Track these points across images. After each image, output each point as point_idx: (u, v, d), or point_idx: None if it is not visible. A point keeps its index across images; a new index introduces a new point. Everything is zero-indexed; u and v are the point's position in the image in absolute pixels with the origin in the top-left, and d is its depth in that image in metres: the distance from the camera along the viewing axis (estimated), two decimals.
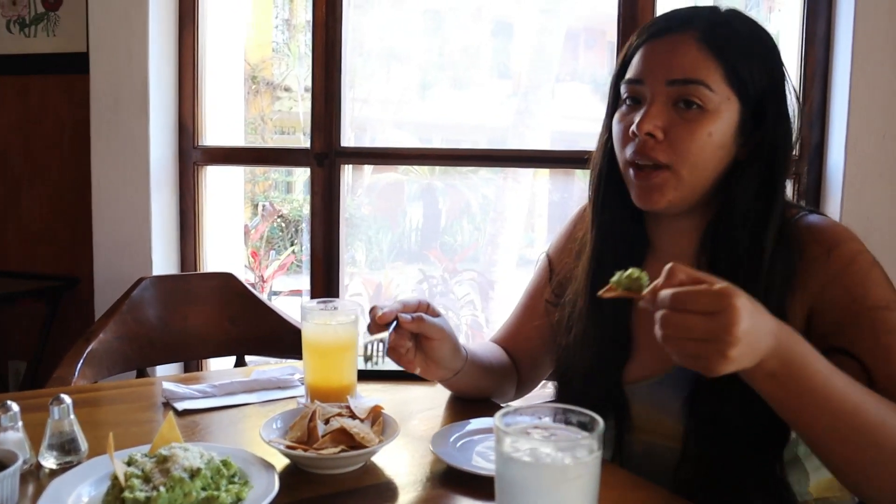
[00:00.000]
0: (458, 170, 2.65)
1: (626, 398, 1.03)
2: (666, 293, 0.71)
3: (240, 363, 1.85)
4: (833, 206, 1.92)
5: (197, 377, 1.32)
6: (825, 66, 1.95)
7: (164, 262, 2.27)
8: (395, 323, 1.00)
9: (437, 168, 2.66)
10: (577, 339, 1.06)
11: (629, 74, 0.98)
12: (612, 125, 1.01)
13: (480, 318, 3.24)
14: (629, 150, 0.96)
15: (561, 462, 0.58)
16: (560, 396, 1.13)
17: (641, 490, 0.91)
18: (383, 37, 2.86)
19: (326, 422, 0.97)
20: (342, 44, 2.12)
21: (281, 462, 0.95)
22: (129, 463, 0.85)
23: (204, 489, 0.83)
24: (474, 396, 1.20)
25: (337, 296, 2.21)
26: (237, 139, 2.60)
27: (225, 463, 0.87)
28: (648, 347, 1.03)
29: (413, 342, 1.03)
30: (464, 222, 3.34)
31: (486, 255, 3.27)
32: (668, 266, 0.74)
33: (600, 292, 0.82)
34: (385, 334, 1.00)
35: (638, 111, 0.95)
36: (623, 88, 0.99)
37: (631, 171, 0.97)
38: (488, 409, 1.18)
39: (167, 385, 1.21)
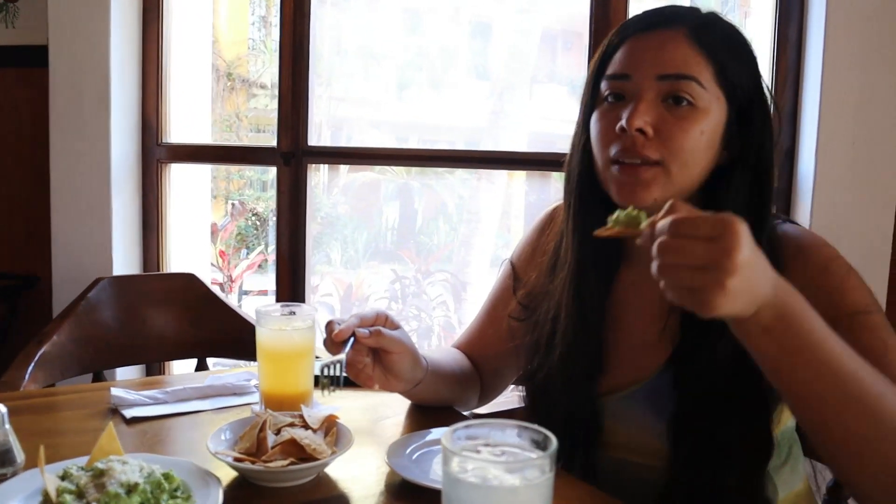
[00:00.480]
0: (434, 170, 2.62)
1: (597, 411, 1.00)
2: (665, 221, 0.68)
3: (201, 366, 1.80)
4: (803, 212, 1.91)
5: (149, 382, 1.27)
6: (797, 70, 1.95)
7: (125, 261, 2.21)
8: (352, 339, 0.97)
9: (414, 168, 2.62)
10: (549, 353, 1.03)
11: (612, 70, 0.94)
12: (591, 124, 0.96)
13: (453, 318, 3.21)
14: (614, 149, 0.91)
15: (510, 484, 0.55)
16: (529, 407, 1.10)
17: None
18: (361, 35, 2.82)
19: (278, 432, 0.93)
20: (310, 41, 2.07)
21: (230, 474, 0.92)
22: (64, 477, 0.81)
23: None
24: (436, 405, 1.17)
25: (303, 296, 2.16)
26: (205, 137, 2.54)
27: (167, 476, 0.83)
28: (622, 359, 1.00)
29: (371, 357, 0.99)
30: (440, 222, 3.31)
31: (459, 256, 3.24)
32: (669, 202, 0.71)
33: (597, 231, 0.80)
34: (342, 355, 0.96)
35: (623, 108, 0.91)
36: (605, 85, 0.94)
37: (615, 168, 0.92)
38: (451, 417, 1.15)
39: (116, 391, 1.16)
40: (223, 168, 3.48)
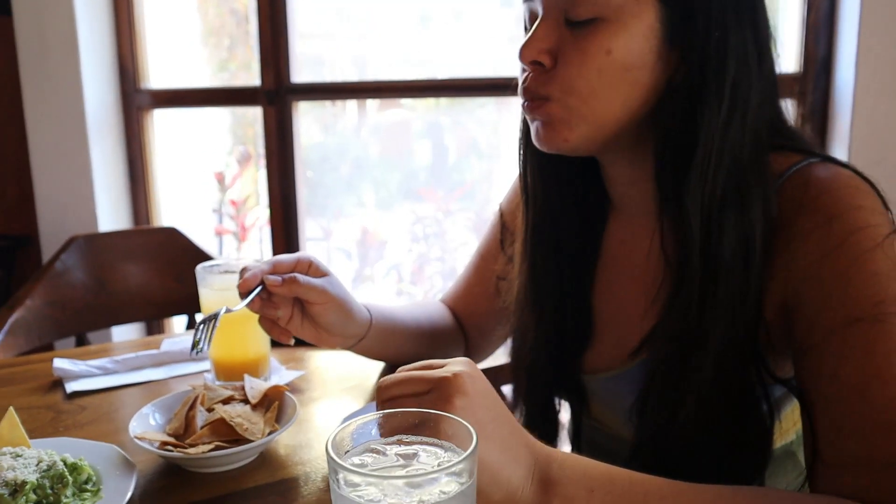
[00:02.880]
0: (463, 104, 2.44)
1: (583, 388, 0.86)
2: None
3: (193, 323, 1.71)
4: (842, 128, 1.70)
5: (101, 350, 1.17)
6: None
7: (112, 216, 2.10)
8: (258, 289, 0.84)
9: (443, 102, 2.45)
10: (531, 315, 0.87)
11: None
12: None
13: None
14: (520, 86, 0.75)
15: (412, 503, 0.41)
16: (515, 378, 0.96)
17: None
18: None
19: (211, 409, 0.81)
20: None
21: (159, 459, 0.81)
22: None
23: (39, 502, 0.68)
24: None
25: (297, 242, 2.04)
26: (200, 79, 2.40)
27: (75, 467, 0.72)
28: (608, 336, 0.84)
29: (296, 309, 0.86)
30: (471, 159, 3.14)
31: (482, 193, 3.09)
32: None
33: None
34: (220, 310, 0.84)
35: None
36: (524, 8, 0.77)
37: (525, 112, 0.75)
38: None
39: (59, 362, 1.06)
40: (236, 112, 3.34)
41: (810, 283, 0.66)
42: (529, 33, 0.72)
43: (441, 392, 0.55)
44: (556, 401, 0.90)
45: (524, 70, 0.74)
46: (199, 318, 0.85)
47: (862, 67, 1.64)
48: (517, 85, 0.77)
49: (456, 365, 0.59)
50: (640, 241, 0.80)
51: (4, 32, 2.15)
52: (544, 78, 0.71)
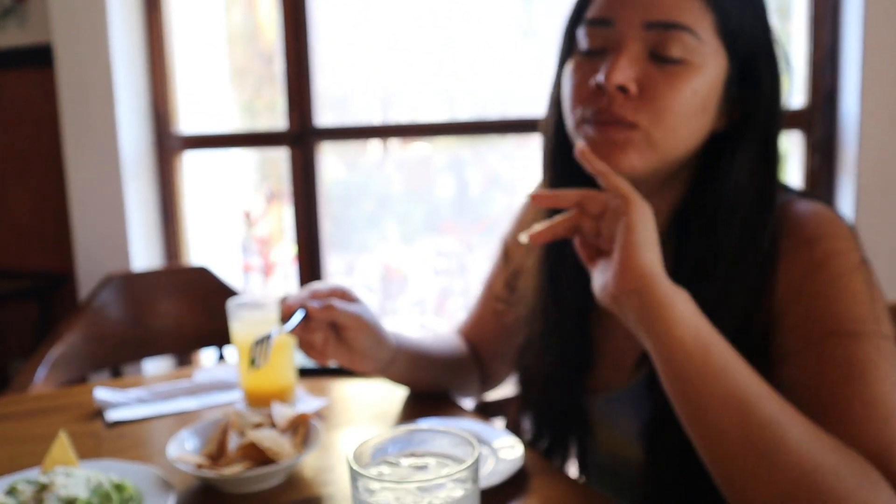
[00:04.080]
0: (485, 140, 2.52)
1: (586, 411, 0.91)
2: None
3: (222, 356, 1.78)
4: (848, 158, 1.75)
5: (137, 381, 1.24)
6: (835, 6, 1.77)
7: (144, 255, 2.20)
8: (302, 313, 0.90)
9: (465, 139, 2.54)
10: (534, 340, 0.93)
11: (592, 13, 0.78)
12: (564, 78, 0.82)
13: None
14: (589, 108, 0.77)
15: None
16: (522, 402, 1.01)
17: None
18: (402, 5, 2.72)
19: (243, 434, 0.87)
20: (307, 21, 2.00)
21: (195, 480, 0.87)
22: (11, 490, 0.77)
23: None
24: (427, 390, 1.10)
25: (321, 276, 2.12)
26: (227, 119, 2.50)
27: (119, 487, 0.79)
28: (608, 357, 0.89)
29: (331, 333, 0.93)
30: (495, 193, 3.21)
31: (503, 226, 3.15)
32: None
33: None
34: (274, 330, 0.90)
35: (602, 61, 0.76)
36: (581, 32, 0.79)
37: (587, 127, 0.77)
38: (445, 407, 1.08)
39: (100, 393, 1.13)
40: (266, 153, 3.46)
41: (793, 298, 0.72)
42: (614, 58, 0.75)
43: (623, 203, 0.69)
44: (566, 427, 0.94)
45: (594, 93, 0.77)
46: (230, 349, 0.92)
47: (867, 99, 1.69)
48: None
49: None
50: None
51: (47, 81, 2.28)
52: (632, 105, 0.75)
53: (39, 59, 2.28)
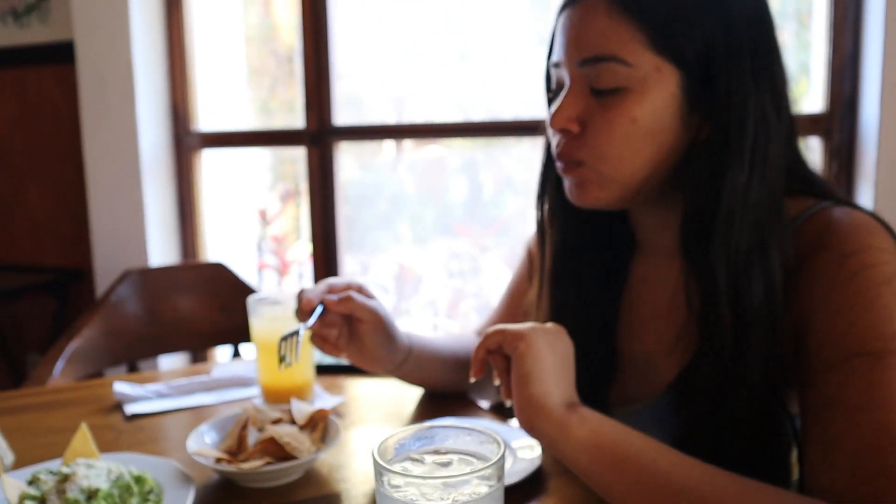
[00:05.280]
0: (499, 142, 2.53)
1: None
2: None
3: (237, 353, 1.79)
4: (868, 165, 1.74)
5: (154, 377, 1.25)
6: (856, 12, 1.76)
7: (161, 252, 2.21)
8: (321, 308, 0.91)
9: (479, 141, 2.54)
10: None
11: (552, 57, 0.81)
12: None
13: None
14: (553, 148, 0.81)
15: (447, 502, 0.47)
16: None
17: None
18: (418, 8, 2.73)
19: (262, 429, 0.88)
20: (327, 20, 2.01)
21: (213, 474, 0.87)
22: (34, 481, 0.78)
23: None
24: (441, 390, 1.10)
25: (337, 275, 2.12)
26: (243, 119, 2.52)
27: (139, 479, 0.79)
28: (635, 367, 0.88)
29: (345, 329, 0.94)
30: (507, 196, 3.21)
31: (517, 230, 3.15)
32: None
33: None
34: (300, 325, 0.91)
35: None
36: (548, 74, 0.83)
37: (558, 165, 0.81)
38: (462, 406, 1.08)
39: (119, 386, 1.14)
40: (282, 152, 3.48)
41: (819, 315, 0.69)
42: (558, 102, 0.77)
43: (513, 338, 0.72)
44: None
45: (555, 135, 0.79)
46: (249, 346, 0.93)
47: (886, 106, 1.68)
48: (543, 129, 0.85)
49: (533, 324, 0.74)
50: (665, 280, 0.85)
51: (68, 78, 2.30)
52: (576, 144, 0.76)
53: (61, 55, 2.30)
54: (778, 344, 0.72)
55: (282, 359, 0.88)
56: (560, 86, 0.79)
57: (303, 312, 0.91)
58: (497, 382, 0.76)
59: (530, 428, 0.70)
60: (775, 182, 0.73)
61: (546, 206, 0.90)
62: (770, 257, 0.72)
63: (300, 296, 0.92)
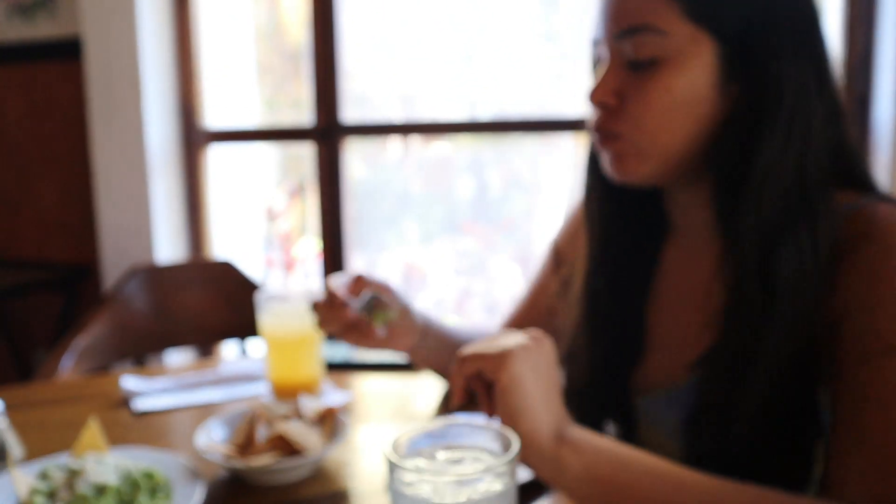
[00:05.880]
0: (507, 141, 2.53)
1: (631, 408, 0.89)
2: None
3: (244, 349, 1.79)
4: (881, 162, 1.72)
5: (162, 371, 1.24)
6: (869, 9, 1.75)
7: (168, 248, 2.21)
8: (370, 295, 0.91)
9: (486, 139, 2.54)
10: (583, 332, 0.91)
11: (592, 34, 0.81)
12: None
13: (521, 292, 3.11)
14: (592, 124, 0.80)
15: (461, 500, 0.47)
16: (566, 397, 1.00)
17: None
18: (425, 5, 2.73)
19: (270, 425, 0.87)
20: (335, 16, 2.01)
21: (222, 470, 0.87)
22: (43, 475, 0.78)
23: None
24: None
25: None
26: (252, 119, 2.52)
27: (148, 474, 0.79)
28: (659, 355, 0.87)
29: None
30: (514, 194, 3.20)
31: (524, 229, 3.14)
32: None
33: None
34: (368, 294, 0.92)
35: None
36: (590, 51, 0.83)
37: (595, 141, 0.81)
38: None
39: (127, 382, 1.14)
40: (293, 149, 3.47)
41: (858, 307, 0.68)
42: (597, 77, 0.77)
43: (493, 367, 0.69)
44: (604, 426, 0.92)
45: (594, 109, 0.79)
46: (253, 342, 0.93)
47: None
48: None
49: (511, 341, 0.71)
50: (699, 262, 0.83)
51: (76, 74, 2.30)
52: (613, 117, 0.76)
53: (69, 51, 2.30)
54: (809, 328, 0.70)
55: (372, 318, 0.90)
56: (598, 61, 0.80)
57: (335, 307, 0.91)
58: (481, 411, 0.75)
59: (524, 463, 0.68)
60: (815, 159, 0.72)
61: (592, 192, 0.89)
62: (803, 235, 0.70)
63: (328, 290, 0.92)
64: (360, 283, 0.95)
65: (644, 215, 0.88)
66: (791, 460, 0.75)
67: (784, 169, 0.71)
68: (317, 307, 0.92)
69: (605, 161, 0.80)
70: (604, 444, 0.69)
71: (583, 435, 0.69)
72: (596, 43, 0.79)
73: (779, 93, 0.71)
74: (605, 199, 0.87)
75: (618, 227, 0.88)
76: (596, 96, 0.76)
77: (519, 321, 1.12)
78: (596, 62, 0.81)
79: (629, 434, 0.90)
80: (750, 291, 0.71)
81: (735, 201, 0.73)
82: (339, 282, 0.93)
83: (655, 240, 0.89)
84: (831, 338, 0.70)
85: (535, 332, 0.73)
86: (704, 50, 0.72)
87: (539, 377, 0.70)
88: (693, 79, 0.73)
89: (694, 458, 0.77)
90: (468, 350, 0.72)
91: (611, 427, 0.92)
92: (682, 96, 0.73)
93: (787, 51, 0.72)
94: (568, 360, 0.95)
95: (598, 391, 0.90)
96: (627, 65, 0.75)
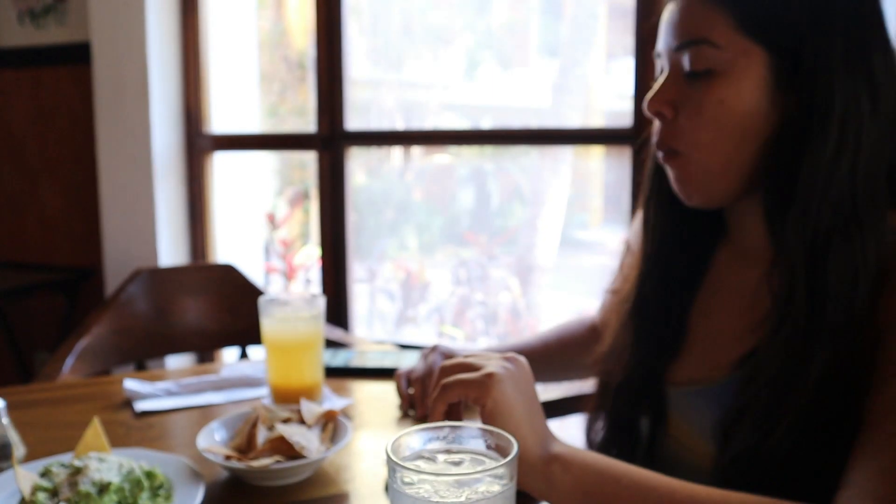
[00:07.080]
0: (507, 152, 2.54)
1: (664, 400, 0.89)
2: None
3: (244, 355, 1.80)
4: None
5: (163, 374, 1.25)
6: None
7: (171, 252, 2.23)
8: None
9: (487, 150, 2.56)
10: (621, 337, 0.94)
11: (655, 48, 0.85)
12: None
13: (520, 303, 3.12)
14: (654, 136, 0.83)
15: (460, 500, 0.48)
16: (601, 396, 1.00)
17: None
18: (428, 17, 2.76)
19: (272, 428, 0.88)
20: (341, 26, 2.03)
21: (222, 471, 0.88)
22: (46, 473, 0.79)
23: (119, 503, 0.75)
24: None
25: (345, 282, 2.13)
26: (255, 126, 2.54)
27: (150, 474, 0.80)
28: (702, 349, 0.88)
29: None
30: (514, 205, 3.21)
31: (525, 239, 3.15)
32: None
33: None
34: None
35: None
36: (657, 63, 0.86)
37: (659, 156, 0.84)
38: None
39: (129, 384, 1.15)
40: (293, 156, 3.48)
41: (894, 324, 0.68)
42: (655, 87, 0.80)
43: (477, 393, 0.70)
44: (638, 421, 0.93)
45: (652, 118, 0.82)
46: (254, 347, 0.93)
47: None
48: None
49: (491, 364, 0.72)
50: (749, 268, 0.84)
51: (84, 78, 2.32)
52: (671, 131, 0.79)
53: (77, 56, 2.32)
54: (854, 339, 0.70)
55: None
56: (661, 74, 0.83)
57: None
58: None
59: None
60: (867, 175, 0.72)
61: (652, 200, 0.91)
62: (854, 246, 0.71)
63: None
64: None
65: (701, 221, 0.90)
66: (821, 473, 0.73)
67: (834, 183, 0.71)
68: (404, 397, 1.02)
69: (671, 179, 0.83)
70: (591, 458, 0.70)
71: (570, 450, 0.70)
72: (658, 56, 0.82)
73: (829, 105, 0.72)
74: (664, 206, 0.89)
75: (674, 232, 0.90)
76: (652, 106, 0.79)
77: (603, 308, 1.15)
78: (658, 74, 0.84)
79: (660, 430, 0.90)
80: (798, 300, 0.72)
81: (785, 213, 0.74)
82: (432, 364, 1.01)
83: (709, 243, 0.91)
84: (873, 352, 0.70)
85: (509, 353, 0.75)
86: (756, 62, 0.74)
87: (522, 397, 0.71)
88: (744, 91, 0.75)
89: (726, 460, 0.76)
90: (448, 377, 0.73)
91: (644, 423, 0.93)
92: (734, 108, 0.75)
93: (838, 63, 0.72)
94: (607, 357, 0.96)
95: (635, 382, 0.91)
96: (684, 77, 0.78)
